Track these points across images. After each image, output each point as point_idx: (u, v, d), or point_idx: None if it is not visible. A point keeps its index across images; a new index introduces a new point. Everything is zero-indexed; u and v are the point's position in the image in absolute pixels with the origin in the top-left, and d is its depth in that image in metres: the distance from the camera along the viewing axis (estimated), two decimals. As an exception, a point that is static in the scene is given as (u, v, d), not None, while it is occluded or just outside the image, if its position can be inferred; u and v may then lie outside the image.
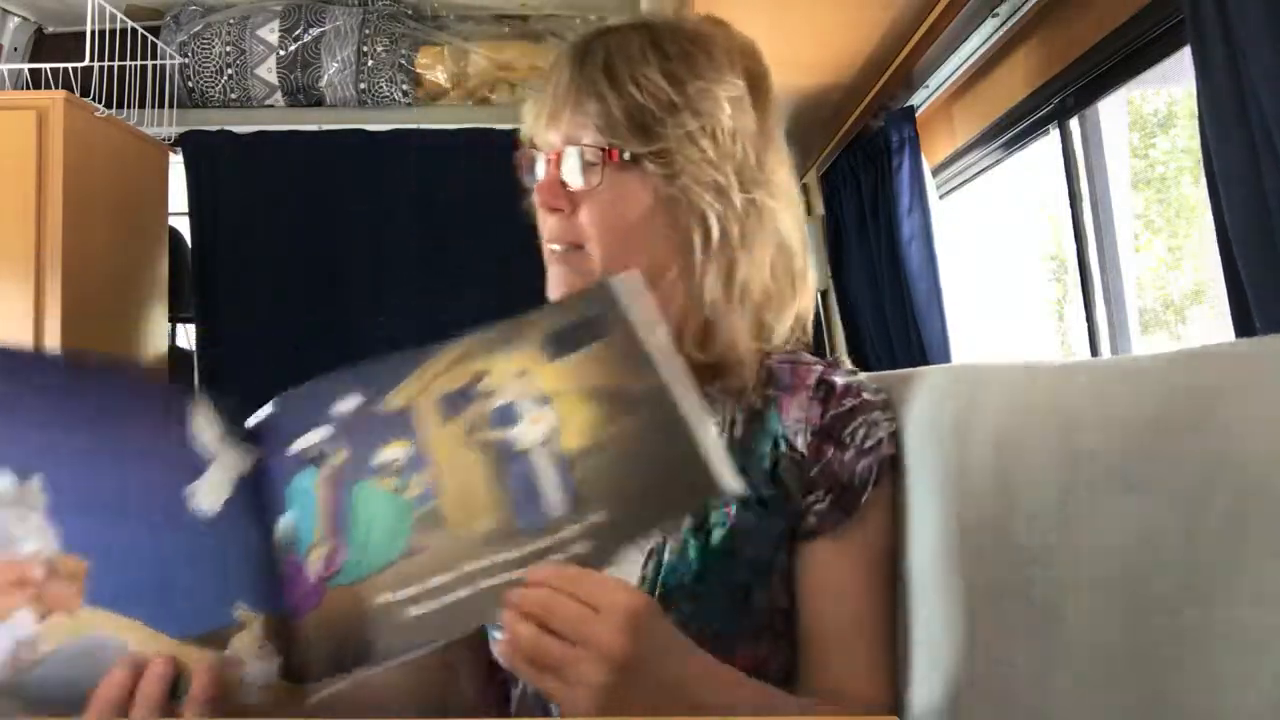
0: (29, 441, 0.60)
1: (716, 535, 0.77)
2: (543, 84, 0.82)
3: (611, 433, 0.62)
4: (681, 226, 0.78)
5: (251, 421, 0.67)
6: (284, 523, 0.63)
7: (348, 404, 0.66)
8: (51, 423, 0.61)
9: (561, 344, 0.66)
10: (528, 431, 0.63)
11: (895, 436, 0.80)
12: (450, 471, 0.63)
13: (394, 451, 0.64)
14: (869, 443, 0.78)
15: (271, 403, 0.67)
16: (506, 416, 0.64)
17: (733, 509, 0.77)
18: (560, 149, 0.78)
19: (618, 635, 0.55)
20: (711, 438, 0.61)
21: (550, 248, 0.81)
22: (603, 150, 0.76)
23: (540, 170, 0.80)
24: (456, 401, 0.65)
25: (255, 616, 0.60)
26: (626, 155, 0.76)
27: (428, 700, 0.81)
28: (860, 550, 0.77)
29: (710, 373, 0.81)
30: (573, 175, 0.78)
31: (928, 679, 0.72)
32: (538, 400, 0.64)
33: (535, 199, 0.80)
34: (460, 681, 0.85)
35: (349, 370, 0.67)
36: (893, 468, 0.79)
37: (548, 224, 0.81)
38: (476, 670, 0.85)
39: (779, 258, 0.82)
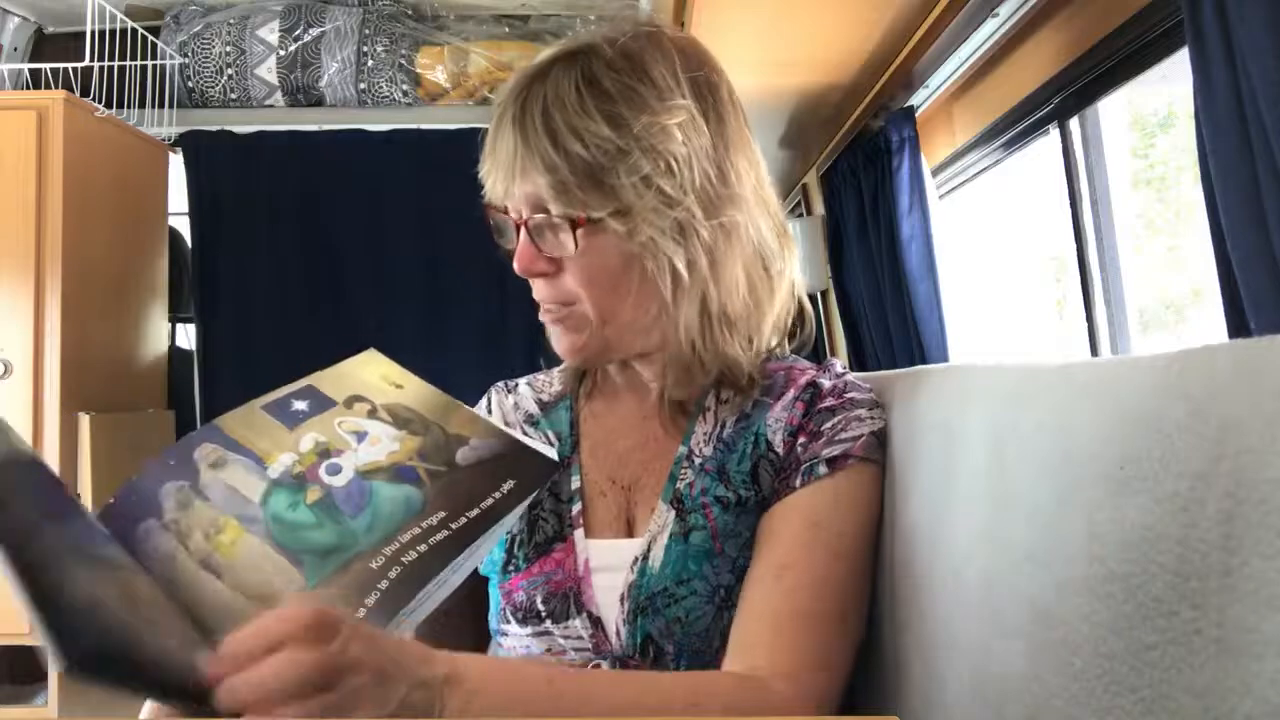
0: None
1: (696, 538, 0.77)
2: (488, 142, 0.79)
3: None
4: (651, 273, 0.77)
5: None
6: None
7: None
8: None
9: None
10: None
11: (880, 435, 0.80)
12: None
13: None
14: (843, 435, 0.78)
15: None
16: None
17: (713, 511, 0.78)
18: (527, 217, 0.77)
19: (304, 654, 0.49)
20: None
21: (545, 308, 0.81)
22: (569, 220, 0.75)
23: (512, 236, 0.79)
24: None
25: None
26: (591, 218, 0.75)
27: None
28: (805, 512, 0.75)
29: (711, 384, 0.83)
30: (547, 244, 0.77)
31: (924, 680, 0.72)
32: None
33: (515, 266, 0.79)
34: None
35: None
36: (866, 466, 0.78)
37: (535, 287, 0.81)
38: None
39: (754, 266, 0.82)
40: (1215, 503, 0.42)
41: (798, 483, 0.77)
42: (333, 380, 0.76)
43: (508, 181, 0.78)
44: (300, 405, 0.74)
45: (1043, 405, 0.60)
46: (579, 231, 0.75)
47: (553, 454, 0.73)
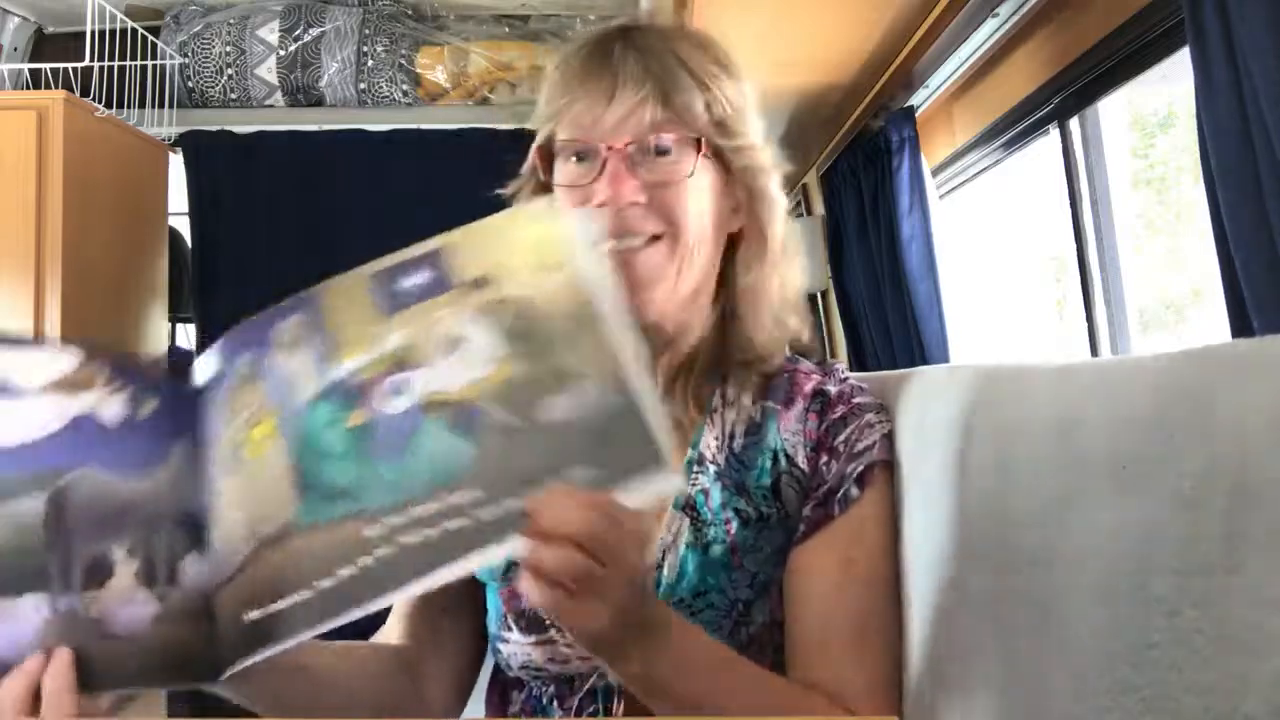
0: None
1: (715, 550, 0.76)
2: (569, 78, 0.77)
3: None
4: (745, 226, 0.81)
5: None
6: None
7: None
8: None
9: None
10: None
11: (889, 439, 0.79)
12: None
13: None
14: (860, 446, 0.78)
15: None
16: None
17: (733, 525, 0.77)
18: (641, 138, 0.75)
19: (639, 555, 0.56)
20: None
21: (628, 242, 0.75)
22: (696, 140, 0.77)
23: (594, 165, 0.76)
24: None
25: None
26: (711, 148, 0.77)
27: (384, 707, 0.78)
28: (840, 549, 0.76)
29: (728, 372, 0.82)
30: (662, 166, 0.76)
31: (926, 680, 0.72)
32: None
33: (594, 192, 0.75)
34: (425, 690, 0.82)
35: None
36: (886, 470, 0.78)
37: (622, 216, 0.75)
38: (445, 677, 0.84)
39: (798, 263, 0.85)
40: (1217, 502, 0.42)
41: (836, 511, 0.76)
42: (473, 245, 0.65)
43: (625, 102, 0.74)
44: (413, 282, 0.64)
45: (1045, 405, 0.60)
46: (699, 158, 0.77)
47: (668, 461, 0.55)
